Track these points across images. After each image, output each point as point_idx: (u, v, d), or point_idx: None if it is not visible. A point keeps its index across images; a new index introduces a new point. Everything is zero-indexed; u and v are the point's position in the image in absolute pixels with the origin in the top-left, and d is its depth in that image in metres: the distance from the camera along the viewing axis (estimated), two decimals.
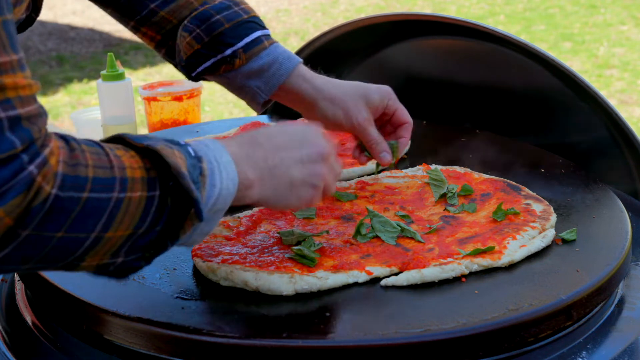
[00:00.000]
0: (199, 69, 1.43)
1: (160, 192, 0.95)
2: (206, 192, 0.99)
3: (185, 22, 1.41)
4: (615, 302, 1.25)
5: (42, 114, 0.87)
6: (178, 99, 2.20)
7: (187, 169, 0.96)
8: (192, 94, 2.22)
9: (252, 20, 1.42)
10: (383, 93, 1.43)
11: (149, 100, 2.21)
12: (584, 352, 1.12)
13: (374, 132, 1.42)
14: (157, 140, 0.97)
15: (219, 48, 1.40)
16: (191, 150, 0.99)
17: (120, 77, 2.18)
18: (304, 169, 1.13)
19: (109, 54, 2.22)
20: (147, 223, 0.95)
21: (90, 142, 0.93)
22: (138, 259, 0.98)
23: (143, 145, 0.95)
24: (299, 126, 1.19)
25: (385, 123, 1.47)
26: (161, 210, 0.95)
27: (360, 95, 1.42)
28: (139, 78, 6.33)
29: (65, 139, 0.90)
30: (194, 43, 1.40)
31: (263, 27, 1.43)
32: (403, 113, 1.45)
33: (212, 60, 1.41)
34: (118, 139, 0.97)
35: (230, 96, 5.59)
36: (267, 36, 1.43)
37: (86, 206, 0.88)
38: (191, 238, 1.01)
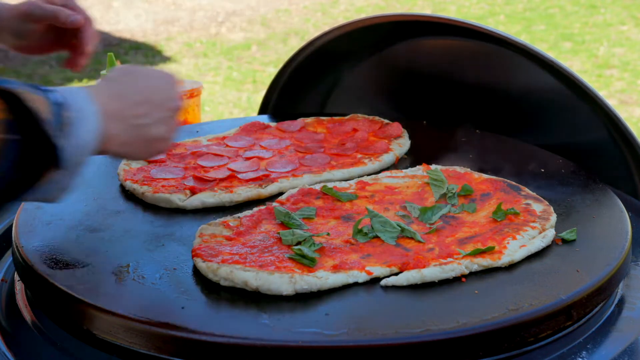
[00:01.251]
0: None
1: (21, 136, 0.94)
2: (67, 142, 0.98)
3: None
4: (615, 302, 1.25)
5: None
6: None
7: (51, 115, 0.95)
8: (192, 94, 2.21)
9: None
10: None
11: None
12: (584, 352, 1.12)
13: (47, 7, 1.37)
14: (20, 84, 0.97)
15: None
16: (56, 97, 0.98)
17: None
18: (163, 127, 1.15)
19: (109, 54, 2.21)
20: (4, 167, 0.94)
21: None
22: None
23: (3, 88, 0.95)
24: (159, 74, 1.19)
25: (67, 39, 1.41)
26: (21, 155, 0.95)
27: None
28: None
29: None
30: None
31: None
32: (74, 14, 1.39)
33: None
34: None
35: (231, 96, 5.59)
36: None
37: None
38: (49, 191, 1.01)
